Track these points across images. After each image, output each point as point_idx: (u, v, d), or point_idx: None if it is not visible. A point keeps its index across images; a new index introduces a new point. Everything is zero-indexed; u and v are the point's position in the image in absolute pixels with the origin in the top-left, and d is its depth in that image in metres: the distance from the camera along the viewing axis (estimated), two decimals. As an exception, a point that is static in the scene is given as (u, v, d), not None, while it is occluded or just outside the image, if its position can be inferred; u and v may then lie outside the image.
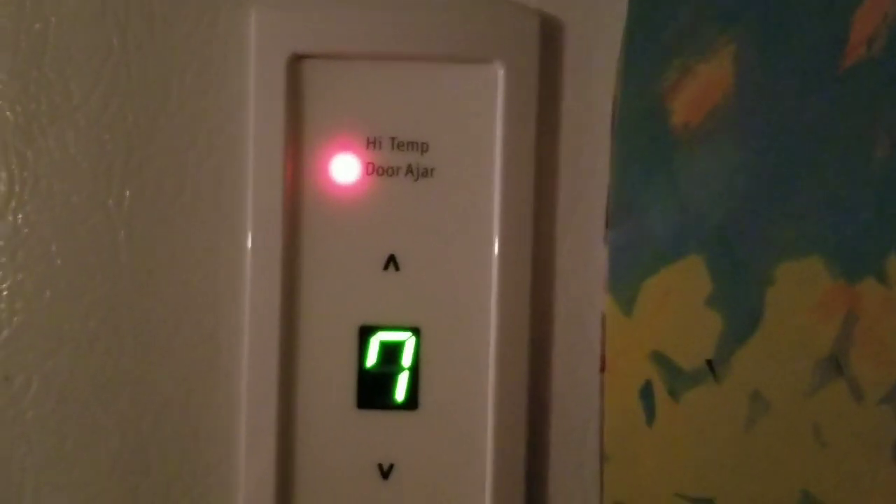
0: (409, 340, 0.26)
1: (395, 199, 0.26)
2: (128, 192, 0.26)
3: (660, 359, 0.25)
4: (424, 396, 0.26)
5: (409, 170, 0.26)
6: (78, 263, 0.26)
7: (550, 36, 0.26)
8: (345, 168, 0.26)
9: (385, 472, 0.26)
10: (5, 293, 0.26)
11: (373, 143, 0.26)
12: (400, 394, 0.26)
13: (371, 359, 0.26)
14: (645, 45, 0.25)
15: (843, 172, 0.25)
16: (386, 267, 0.26)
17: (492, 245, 0.26)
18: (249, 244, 0.25)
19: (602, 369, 0.25)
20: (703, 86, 0.25)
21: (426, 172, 0.26)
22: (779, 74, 0.25)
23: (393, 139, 0.26)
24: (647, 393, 0.25)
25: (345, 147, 0.26)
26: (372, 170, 0.26)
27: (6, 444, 0.26)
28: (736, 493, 0.25)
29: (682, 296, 0.25)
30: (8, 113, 0.26)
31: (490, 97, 0.25)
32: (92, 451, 0.26)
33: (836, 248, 0.25)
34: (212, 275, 0.26)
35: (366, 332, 0.26)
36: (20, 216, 0.26)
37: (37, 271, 0.26)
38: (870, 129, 0.25)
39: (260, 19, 0.25)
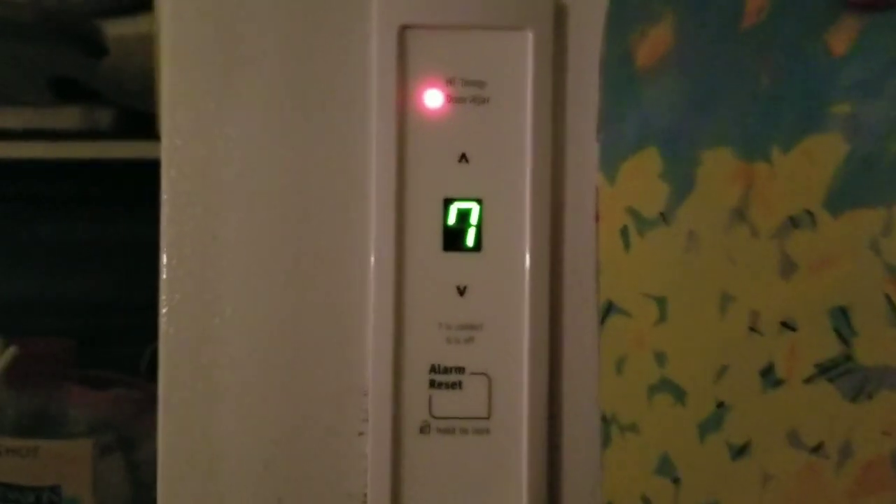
0: (475, 207, 0.35)
1: (465, 117, 0.35)
2: (291, 113, 0.36)
3: (632, 211, 0.35)
4: (486, 243, 0.35)
5: (474, 99, 0.35)
6: (257, 162, 0.37)
7: (560, 12, 0.35)
8: (433, 98, 0.35)
9: (461, 291, 0.35)
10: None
11: (450, 82, 0.35)
12: (470, 241, 0.35)
13: (451, 219, 0.35)
14: (620, 16, 0.35)
15: (742, 95, 0.33)
16: (460, 161, 0.35)
17: (525, 145, 0.35)
18: (374, 147, 0.35)
19: (596, 220, 0.35)
20: (654, 41, 0.34)
21: (484, 101, 0.35)
22: (701, 33, 0.34)
23: (463, 79, 0.35)
24: (624, 232, 0.35)
25: (432, 85, 0.35)
26: (450, 99, 0.35)
27: (208, 290, 0.37)
28: (680, 291, 0.35)
29: (644, 172, 0.34)
30: (214, 57, 0.36)
31: (524, 52, 0.35)
32: (266, 294, 0.36)
33: (739, 141, 0.33)
34: (346, 168, 0.35)
35: (448, 202, 0.35)
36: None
37: (232, 181, 0.37)
38: (759, 67, 0.33)
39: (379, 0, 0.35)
